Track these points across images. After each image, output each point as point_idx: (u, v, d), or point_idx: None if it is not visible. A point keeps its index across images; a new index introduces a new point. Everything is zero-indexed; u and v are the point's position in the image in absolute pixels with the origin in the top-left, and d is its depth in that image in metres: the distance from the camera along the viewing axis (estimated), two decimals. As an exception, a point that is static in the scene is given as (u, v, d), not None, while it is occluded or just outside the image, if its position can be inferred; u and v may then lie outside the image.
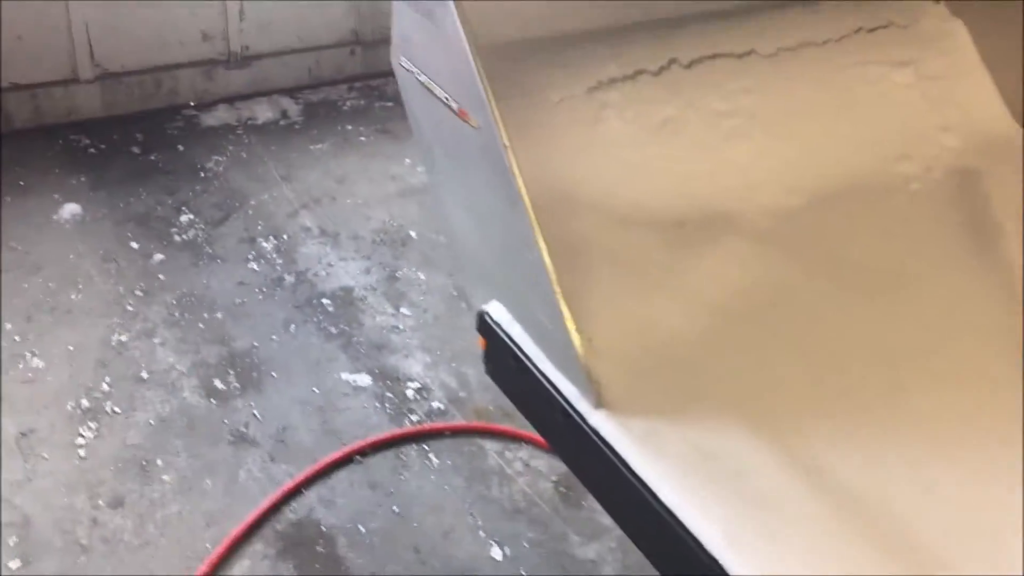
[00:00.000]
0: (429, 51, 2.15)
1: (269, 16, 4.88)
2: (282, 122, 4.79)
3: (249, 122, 4.75)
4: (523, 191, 1.93)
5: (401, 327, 3.44)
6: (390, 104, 5.03)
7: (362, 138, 4.68)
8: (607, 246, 2.33)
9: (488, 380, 3.27)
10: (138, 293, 3.46)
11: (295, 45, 5.06)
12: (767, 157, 2.70)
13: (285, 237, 3.87)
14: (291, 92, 5.08)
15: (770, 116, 2.74)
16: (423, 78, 2.18)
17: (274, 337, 3.33)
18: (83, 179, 4.11)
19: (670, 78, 2.67)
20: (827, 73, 2.88)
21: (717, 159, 2.63)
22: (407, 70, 2.24)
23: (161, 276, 3.56)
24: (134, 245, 3.72)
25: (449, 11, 2.03)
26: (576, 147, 2.46)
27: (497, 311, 2.16)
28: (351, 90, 5.18)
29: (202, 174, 4.24)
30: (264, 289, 3.56)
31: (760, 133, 2.72)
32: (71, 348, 3.18)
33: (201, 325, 3.34)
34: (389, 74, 5.28)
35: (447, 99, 2.11)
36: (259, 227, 3.92)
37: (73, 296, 3.41)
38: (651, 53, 2.65)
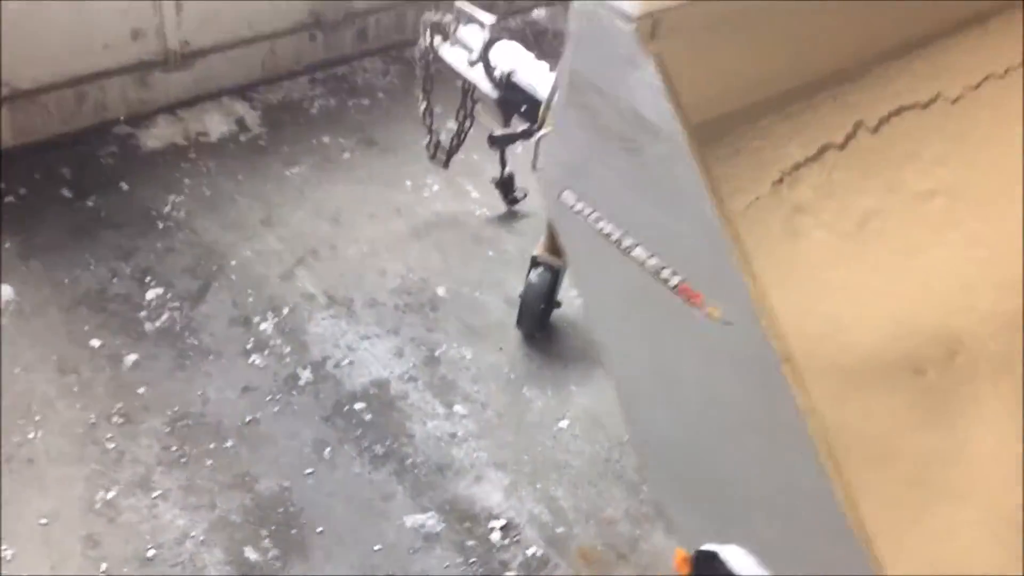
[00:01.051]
0: (621, 195, 1.44)
1: (212, 3, 3.94)
2: (242, 137, 3.91)
3: (201, 139, 3.86)
4: (814, 432, 1.29)
5: (460, 433, 2.76)
6: (366, 102, 4.19)
7: (346, 154, 3.85)
8: (844, 423, 1.70)
9: (589, 508, 2.66)
10: (116, 420, 2.67)
11: (245, 35, 4.12)
12: (972, 246, 2.13)
13: (286, 311, 3.09)
14: (243, 92, 4.17)
15: (968, 191, 2.15)
16: (607, 227, 1.47)
17: (307, 470, 2.60)
18: (8, 245, 3.21)
19: (859, 151, 2.04)
20: (1016, 113, 2.31)
21: (928, 260, 2.03)
22: (575, 210, 1.52)
23: (140, 389, 2.76)
24: (95, 343, 2.89)
25: (679, 152, 1.33)
26: (777, 277, 1.78)
27: (741, 562, 1.52)
28: (314, 83, 4.30)
29: (160, 224, 3.38)
30: (277, 396, 2.80)
31: (964, 214, 2.13)
32: (44, 521, 2.39)
33: (209, 461, 2.59)
34: (355, 58, 4.44)
35: (661, 270, 1.41)
36: (250, 299, 3.12)
37: (31, 434, 2.60)
38: (832, 119, 2.01)
